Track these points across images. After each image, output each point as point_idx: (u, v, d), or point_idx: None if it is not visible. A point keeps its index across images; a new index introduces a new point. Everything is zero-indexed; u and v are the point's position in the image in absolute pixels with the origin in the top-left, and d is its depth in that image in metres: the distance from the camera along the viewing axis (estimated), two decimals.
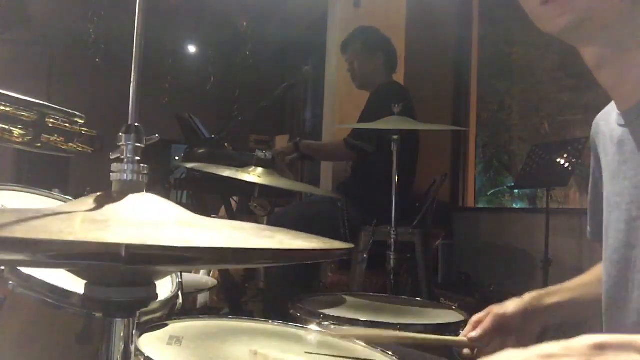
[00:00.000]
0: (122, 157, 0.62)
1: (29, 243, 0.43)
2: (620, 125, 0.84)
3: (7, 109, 1.01)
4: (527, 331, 1.09)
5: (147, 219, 0.56)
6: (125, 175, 0.61)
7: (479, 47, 4.24)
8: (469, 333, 1.10)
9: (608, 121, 0.90)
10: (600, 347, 0.62)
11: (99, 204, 0.57)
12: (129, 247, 0.43)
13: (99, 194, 0.60)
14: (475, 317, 1.12)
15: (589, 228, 1.06)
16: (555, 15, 0.78)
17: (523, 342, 1.06)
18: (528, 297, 1.11)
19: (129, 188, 0.61)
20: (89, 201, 0.58)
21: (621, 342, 0.63)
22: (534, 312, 1.09)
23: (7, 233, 0.44)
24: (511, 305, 1.10)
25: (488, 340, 1.08)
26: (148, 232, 0.50)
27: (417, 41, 3.81)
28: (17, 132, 1.02)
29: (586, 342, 0.63)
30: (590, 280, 1.09)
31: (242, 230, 0.58)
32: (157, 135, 0.66)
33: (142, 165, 0.62)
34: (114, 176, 0.61)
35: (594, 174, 0.99)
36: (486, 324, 1.09)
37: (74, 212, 0.55)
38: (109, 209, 0.56)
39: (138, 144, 0.62)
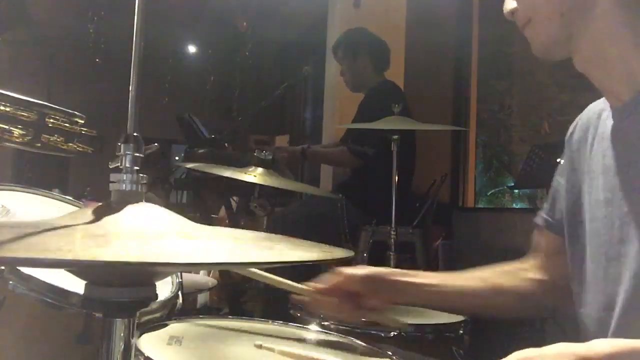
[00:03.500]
0: (121, 166, 0.62)
1: (28, 262, 0.43)
2: (613, 122, 0.85)
3: (7, 109, 1.01)
4: (371, 301, 1.04)
5: (147, 231, 0.55)
6: (124, 185, 0.61)
7: (479, 47, 4.23)
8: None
9: (601, 116, 0.91)
10: (616, 358, 0.64)
11: (98, 216, 0.57)
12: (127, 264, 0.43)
13: (98, 204, 0.60)
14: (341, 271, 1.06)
15: (546, 217, 1.04)
16: (531, 38, 0.89)
17: (363, 310, 1.04)
18: (384, 268, 1.09)
19: (128, 198, 0.60)
20: (87, 213, 0.57)
21: (636, 349, 0.65)
22: (381, 283, 1.04)
23: (6, 253, 0.44)
24: (363, 269, 1.06)
25: (331, 295, 1.04)
26: (148, 248, 0.50)
27: (417, 41, 3.81)
28: (17, 132, 1.02)
29: (602, 350, 0.65)
30: (468, 277, 1.07)
31: (242, 241, 0.58)
32: (156, 144, 0.66)
33: (141, 175, 0.62)
34: (112, 186, 0.61)
35: (567, 165, 1.00)
36: (336, 279, 1.04)
37: (73, 225, 0.54)
38: (108, 221, 0.56)
39: (137, 154, 0.62)
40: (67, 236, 0.52)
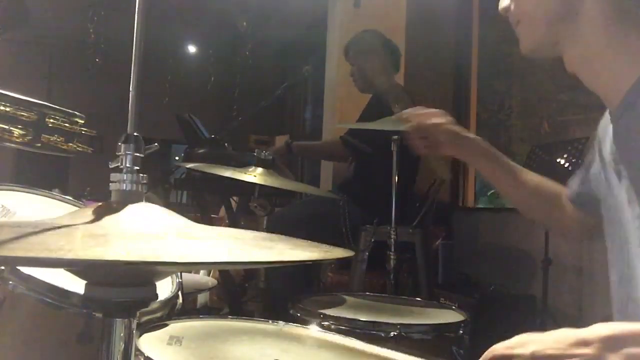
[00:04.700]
0: (121, 166, 0.61)
1: (28, 261, 0.43)
2: (612, 124, 0.86)
3: (7, 109, 1.01)
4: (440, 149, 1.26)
5: (147, 231, 0.55)
6: (124, 185, 0.61)
7: (479, 47, 4.23)
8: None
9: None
10: (614, 339, 0.64)
11: (98, 215, 0.57)
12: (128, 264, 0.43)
13: (98, 204, 0.60)
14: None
15: (577, 189, 1.14)
16: (520, 37, 0.93)
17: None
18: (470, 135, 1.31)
19: (128, 198, 0.60)
20: (88, 212, 0.57)
21: (634, 332, 0.65)
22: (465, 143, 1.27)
23: (7, 252, 0.44)
24: (455, 128, 1.28)
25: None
26: (148, 248, 0.50)
27: (417, 41, 3.81)
28: (17, 132, 1.02)
29: (600, 333, 0.65)
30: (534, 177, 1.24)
31: (242, 240, 0.58)
32: (156, 144, 0.66)
33: (141, 175, 0.62)
34: (113, 186, 0.61)
35: (595, 155, 1.01)
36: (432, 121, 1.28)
37: (73, 225, 0.54)
38: (108, 221, 0.56)
39: (137, 154, 0.62)
40: (67, 236, 0.52)
